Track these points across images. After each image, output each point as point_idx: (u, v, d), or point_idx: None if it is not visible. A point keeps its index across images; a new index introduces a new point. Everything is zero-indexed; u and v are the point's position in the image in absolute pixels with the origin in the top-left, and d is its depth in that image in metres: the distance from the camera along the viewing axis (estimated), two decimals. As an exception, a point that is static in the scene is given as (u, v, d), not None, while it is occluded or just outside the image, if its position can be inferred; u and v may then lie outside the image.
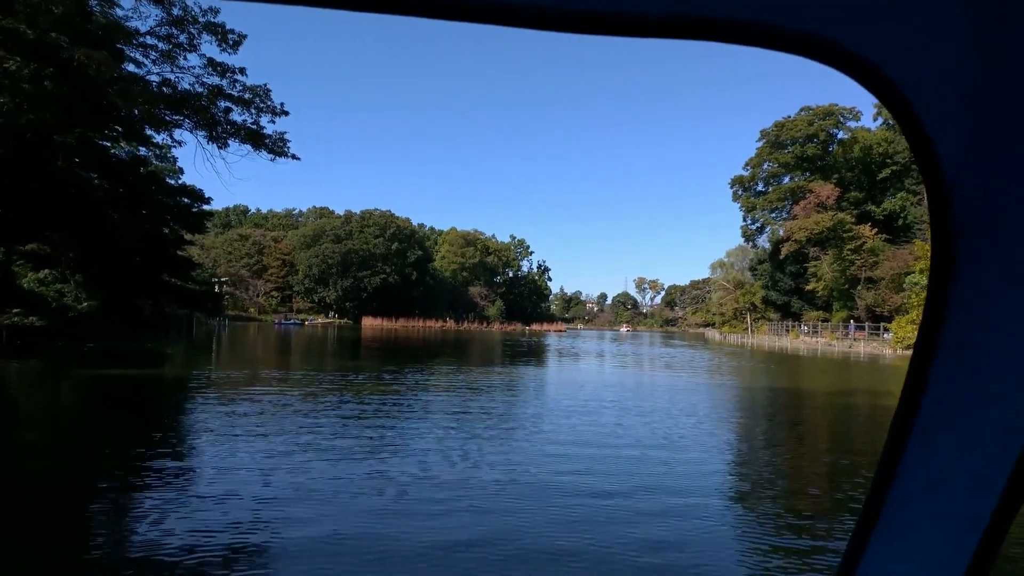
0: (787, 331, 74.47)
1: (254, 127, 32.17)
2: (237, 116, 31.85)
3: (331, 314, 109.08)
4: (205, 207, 44.32)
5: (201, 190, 43.19)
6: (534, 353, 44.80)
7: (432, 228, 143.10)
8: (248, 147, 32.62)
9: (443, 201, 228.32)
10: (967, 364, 0.75)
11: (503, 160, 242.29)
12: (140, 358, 27.42)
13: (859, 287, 66.38)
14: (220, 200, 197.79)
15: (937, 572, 0.81)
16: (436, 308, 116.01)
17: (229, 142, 32.22)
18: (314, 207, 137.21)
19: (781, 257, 76.54)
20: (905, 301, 58.47)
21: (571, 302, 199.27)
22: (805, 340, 65.63)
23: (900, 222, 70.67)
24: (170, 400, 16.75)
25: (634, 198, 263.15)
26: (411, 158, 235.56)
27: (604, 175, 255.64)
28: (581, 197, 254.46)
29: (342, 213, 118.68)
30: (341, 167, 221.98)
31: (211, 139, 31.95)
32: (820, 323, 70.60)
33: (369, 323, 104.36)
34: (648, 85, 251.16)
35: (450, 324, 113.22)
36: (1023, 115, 0.62)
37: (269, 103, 32.10)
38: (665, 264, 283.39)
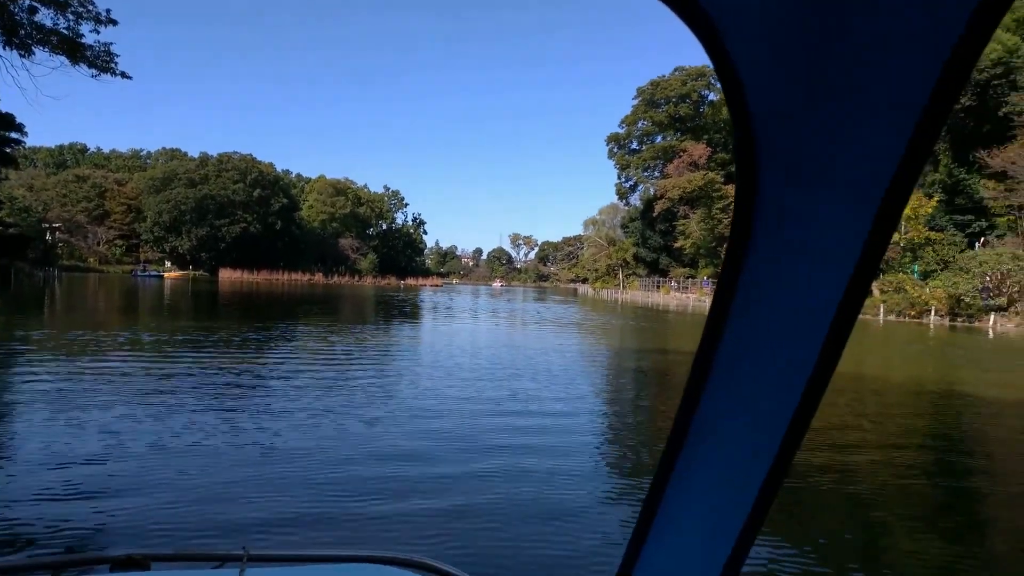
0: (657, 287, 76.03)
1: (68, 33, 26.69)
2: (48, 20, 26.34)
3: (188, 268, 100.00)
4: (14, 135, 37.41)
5: (10, 114, 36.36)
6: (408, 310, 42.27)
7: (299, 175, 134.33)
8: (63, 59, 27.17)
9: (310, 148, 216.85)
10: (752, 332, 0.74)
11: (375, 107, 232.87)
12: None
13: (725, 245, 68.37)
14: (49, 134, 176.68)
15: (708, 547, 0.82)
16: (303, 260, 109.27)
17: (36, 50, 26.58)
18: (164, 148, 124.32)
19: (654, 215, 77.56)
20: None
21: (447, 256, 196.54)
22: (676, 296, 67.07)
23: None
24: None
25: (512, 155, 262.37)
26: (275, 101, 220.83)
27: (481, 130, 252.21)
28: (458, 151, 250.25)
29: (197, 156, 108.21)
30: (197, 107, 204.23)
31: (10, 44, 26.12)
32: (687, 279, 72.50)
33: (228, 276, 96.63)
34: (531, 41, 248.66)
35: (318, 278, 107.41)
36: (831, 61, 0.59)
37: (90, 7, 26.75)
38: (541, 220, 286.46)
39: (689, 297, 64.15)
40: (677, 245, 75.69)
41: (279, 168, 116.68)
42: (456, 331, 26.09)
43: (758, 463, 0.76)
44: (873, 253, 0.63)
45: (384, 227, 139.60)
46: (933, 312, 37.24)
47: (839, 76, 0.60)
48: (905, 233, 43.29)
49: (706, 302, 59.69)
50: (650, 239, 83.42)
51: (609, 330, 29.64)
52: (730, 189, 69.66)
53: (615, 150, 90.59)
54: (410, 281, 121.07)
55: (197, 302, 39.82)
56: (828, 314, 0.67)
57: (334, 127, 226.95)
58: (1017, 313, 33.86)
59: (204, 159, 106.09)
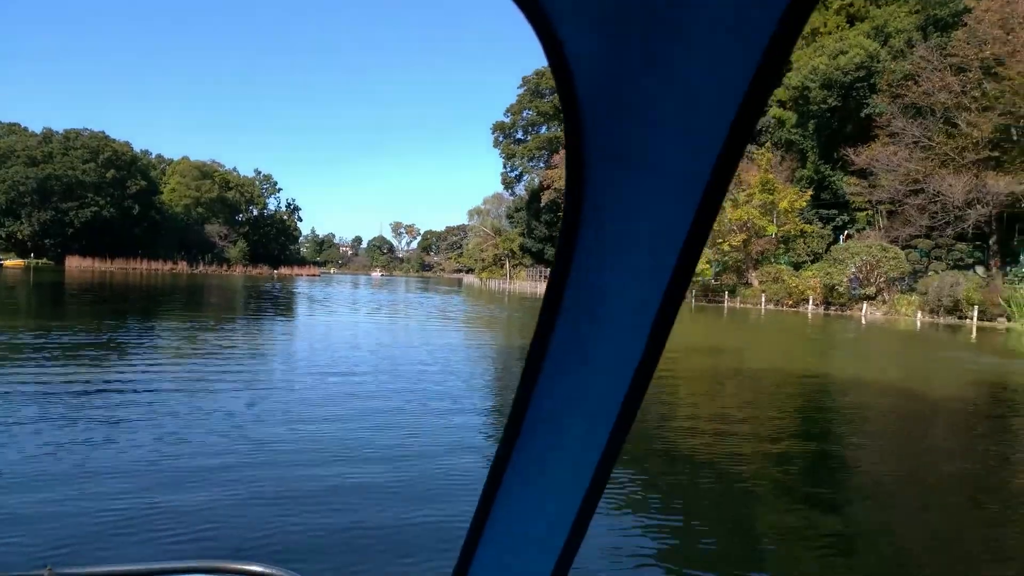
0: (544, 278, 76.37)
1: None
2: None
3: (30, 256, 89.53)
4: None
5: None
6: (277, 304, 39.45)
7: (160, 156, 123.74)
8: None
9: (173, 128, 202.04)
10: (583, 325, 0.73)
11: (244, 85, 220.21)
12: None
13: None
14: None
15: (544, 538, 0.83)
16: (164, 248, 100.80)
17: None
18: (0, 122, 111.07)
19: (540, 205, 77.64)
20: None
21: (324, 245, 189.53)
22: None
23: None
24: None
25: (393, 140, 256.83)
26: (131, 75, 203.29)
27: (361, 114, 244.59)
28: (335, 135, 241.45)
29: (40, 132, 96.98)
30: (40, 78, 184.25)
31: None
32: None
33: (76, 264, 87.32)
34: (411, 24, 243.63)
35: (182, 267, 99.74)
36: (657, 48, 0.61)
37: None
38: (424, 209, 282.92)
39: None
40: (562, 235, 76.14)
41: (137, 148, 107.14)
42: (328, 330, 23.86)
43: (587, 457, 0.77)
44: (695, 242, 0.66)
45: (255, 213, 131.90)
46: (811, 301, 39.11)
47: (664, 66, 0.61)
48: (782, 225, 45.32)
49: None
50: (536, 229, 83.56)
51: (507, 324, 28.68)
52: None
53: (500, 139, 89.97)
54: (284, 271, 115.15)
55: (28, 296, 35.15)
56: (654, 304, 0.69)
57: (198, 105, 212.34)
58: (884, 302, 36.10)
59: (48, 135, 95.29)
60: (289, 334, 21.31)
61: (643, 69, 0.62)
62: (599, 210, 0.68)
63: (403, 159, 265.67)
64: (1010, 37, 36.04)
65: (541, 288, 65.88)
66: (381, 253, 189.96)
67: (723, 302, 44.96)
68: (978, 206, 36.59)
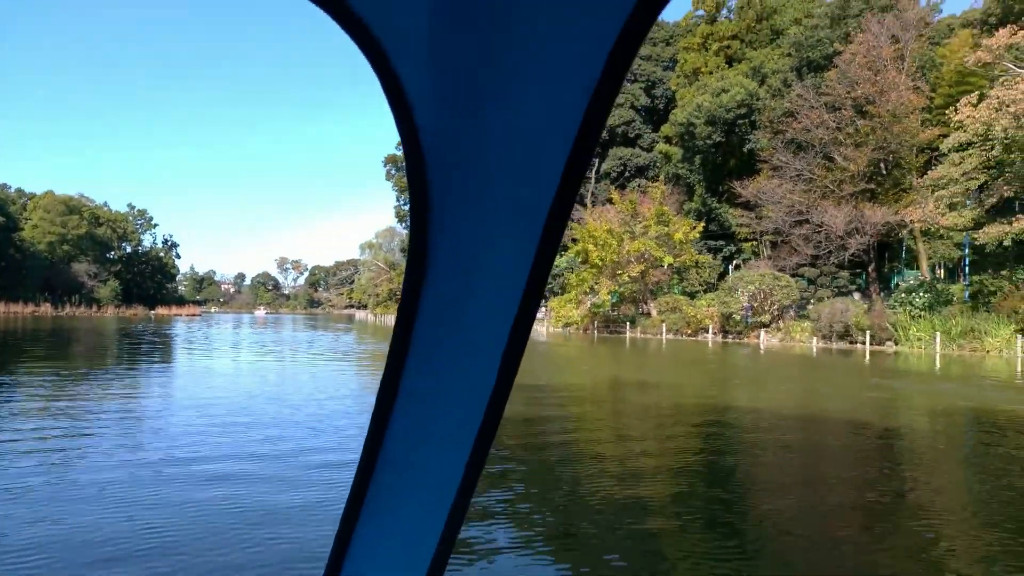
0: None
1: None
2: None
3: None
4: None
5: None
6: (130, 349, 35.85)
7: (20, 190, 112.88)
8: None
9: (35, 159, 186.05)
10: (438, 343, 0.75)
11: (117, 115, 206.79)
12: None
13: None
14: None
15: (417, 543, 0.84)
16: (25, 288, 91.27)
17: None
18: None
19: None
20: (550, 282, 62.08)
21: (204, 282, 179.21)
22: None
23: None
24: None
25: (277, 173, 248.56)
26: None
27: (237, 147, 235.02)
28: (215, 167, 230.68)
29: None
30: None
31: None
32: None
33: (-88, 308, 77.54)
34: (300, 56, 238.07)
35: (45, 309, 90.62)
36: (493, 78, 0.62)
37: None
38: (311, 243, 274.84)
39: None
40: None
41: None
42: (203, 379, 21.47)
43: (452, 469, 0.78)
44: (541, 266, 0.66)
45: (129, 250, 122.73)
46: (710, 330, 39.74)
47: (500, 93, 0.62)
48: (678, 256, 46.21)
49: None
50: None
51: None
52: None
53: (393, 172, 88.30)
54: (161, 311, 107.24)
55: None
56: (505, 329, 0.70)
57: (65, 136, 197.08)
58: (779, 329, 37.15)
59: None
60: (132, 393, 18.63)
61: (480, 95, 0.63)
62: (446, 238, 0.69)
63: (290, 193, 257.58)
64: (878, 78, 38.61)
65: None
66: (266, 290, 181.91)
67: (624, 332, 45.07)
68: (857, 235, 38.58)
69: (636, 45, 0.56)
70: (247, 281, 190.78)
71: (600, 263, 44.37)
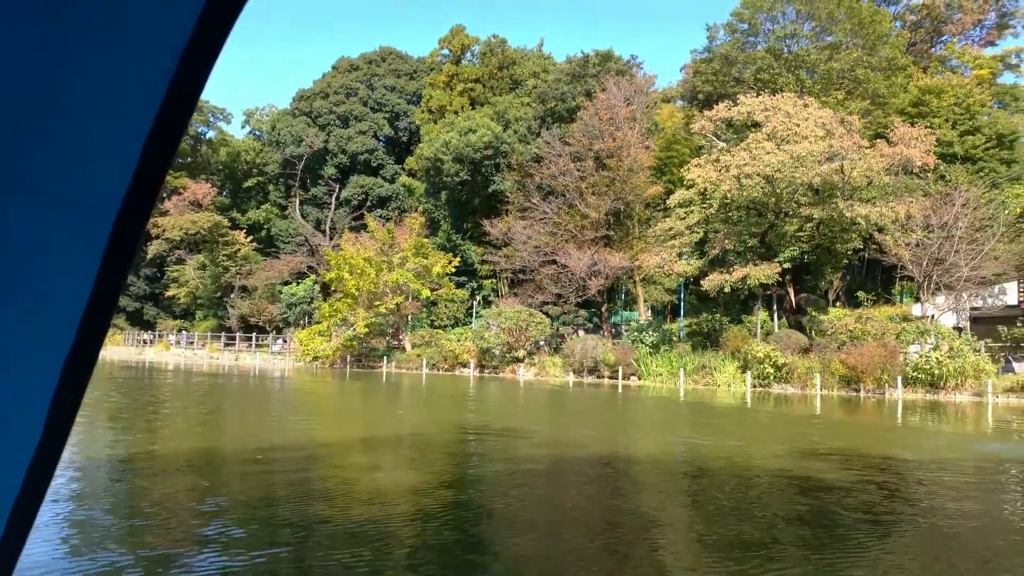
0: (149, 342, 64.88)
1: None
2: None
3: None
4: None
5: None
6: None
7: None
8: None
9: None
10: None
11: None
12: None
13: (233, 295, 62.50)
14: None
15: None
16: None
17: None
18: None
19: (148, 257, 66.38)
20: (286, 312, 57.45)
21: None
22: (181, 352, 57.91)
23: (264, 233, 69.61)
24: None
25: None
26: None
27: None
28: None
29: None
30: None
31: None
32: (185, 332, 63.79)
33: None
34: None
35: None
36: (67, 75, 0.58)
37: None
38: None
39: (197, 354, 56.17)
40: (169, 294, 66.18)
41: None
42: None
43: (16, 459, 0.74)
44: (113, 271, 0.63)
45: None
46: (472, 364, 39.73)
47: (74, 95, 0.59)
48: (435, 290, 45.82)
49: (219, 359, 52.74)
50: (133, 285, 71.17)
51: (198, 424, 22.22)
52: (237, 235, 64.25)
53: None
54: None
55: None
56: (68, 339, 0.67)
57: None
58: (534, 364, 38.47)
59: None
60: None
61: (52, 93, 0.59)
62: (15, 242, 0.64)
63: None
64: (617, 134, 42.77)
65: (149, 355, 55.20)
66: None
67: (379, 367, 43.15)
68: (596, 278, 41.87)
69: (216, 46, 0.55)
70: None
71: (356, 292, 42.09)
